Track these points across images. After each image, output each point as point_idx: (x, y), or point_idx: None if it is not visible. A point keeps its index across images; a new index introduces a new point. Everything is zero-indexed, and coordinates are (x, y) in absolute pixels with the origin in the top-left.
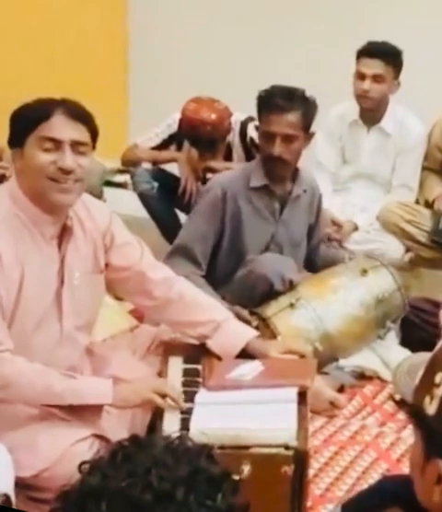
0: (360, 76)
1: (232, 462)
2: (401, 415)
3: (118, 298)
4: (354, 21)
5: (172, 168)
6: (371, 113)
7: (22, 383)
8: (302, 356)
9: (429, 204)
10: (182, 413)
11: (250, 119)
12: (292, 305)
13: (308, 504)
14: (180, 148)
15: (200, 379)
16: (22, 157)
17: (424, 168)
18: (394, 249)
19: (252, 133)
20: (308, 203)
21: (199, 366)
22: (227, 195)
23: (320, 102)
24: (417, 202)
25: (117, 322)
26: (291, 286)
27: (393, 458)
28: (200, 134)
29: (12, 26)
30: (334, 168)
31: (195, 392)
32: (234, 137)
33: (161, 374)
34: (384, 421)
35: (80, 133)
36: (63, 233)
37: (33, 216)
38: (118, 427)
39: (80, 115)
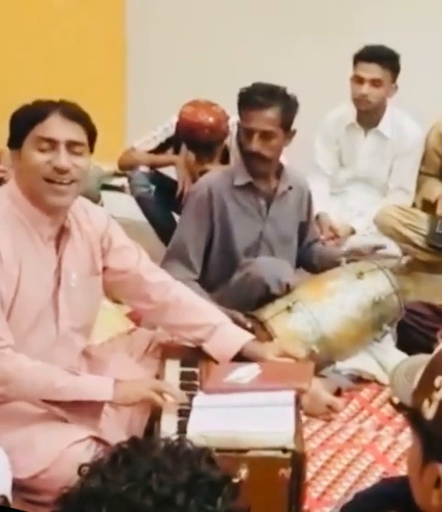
0: (358, 81)
1: (230, 465)
2: (399, 418)
3: (116, 301)
4: (352, 25)
5: (170, 172)
6: (369, 117)
7: (23, 379)
8: (297, 360)
9: (426, 207)
10: (180, 415)
11: None
12: (289, 308)
13: (306, 507)
14: (177, 152)
15: (197, 382)
16: (20, 157)
17: (421, 173)
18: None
19: None
20: (297, 201)
21: (196, 370)
22: (213, 195)
23: (318, 106)
24: (414, 205)
25: (115, 325)
26: (288, 289)
27: (390, 461)
28: (197, 138)
29: (11, 27)
30: (331, 172)
31: (193, 395)
32: (231, 141)
33: (158, 377)
34: (381, 424)
35: (76, 133)
36: (61, 234)
37: (32, 217)
38: (115, 429)
39: (76, 115)
